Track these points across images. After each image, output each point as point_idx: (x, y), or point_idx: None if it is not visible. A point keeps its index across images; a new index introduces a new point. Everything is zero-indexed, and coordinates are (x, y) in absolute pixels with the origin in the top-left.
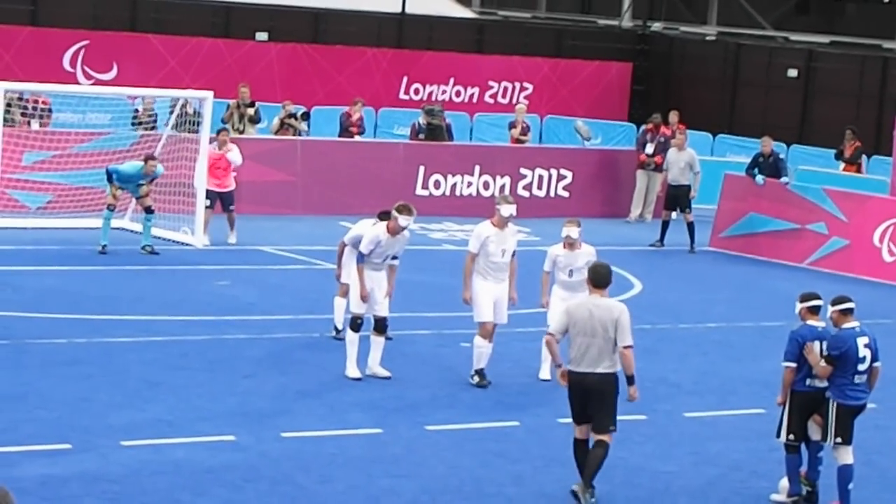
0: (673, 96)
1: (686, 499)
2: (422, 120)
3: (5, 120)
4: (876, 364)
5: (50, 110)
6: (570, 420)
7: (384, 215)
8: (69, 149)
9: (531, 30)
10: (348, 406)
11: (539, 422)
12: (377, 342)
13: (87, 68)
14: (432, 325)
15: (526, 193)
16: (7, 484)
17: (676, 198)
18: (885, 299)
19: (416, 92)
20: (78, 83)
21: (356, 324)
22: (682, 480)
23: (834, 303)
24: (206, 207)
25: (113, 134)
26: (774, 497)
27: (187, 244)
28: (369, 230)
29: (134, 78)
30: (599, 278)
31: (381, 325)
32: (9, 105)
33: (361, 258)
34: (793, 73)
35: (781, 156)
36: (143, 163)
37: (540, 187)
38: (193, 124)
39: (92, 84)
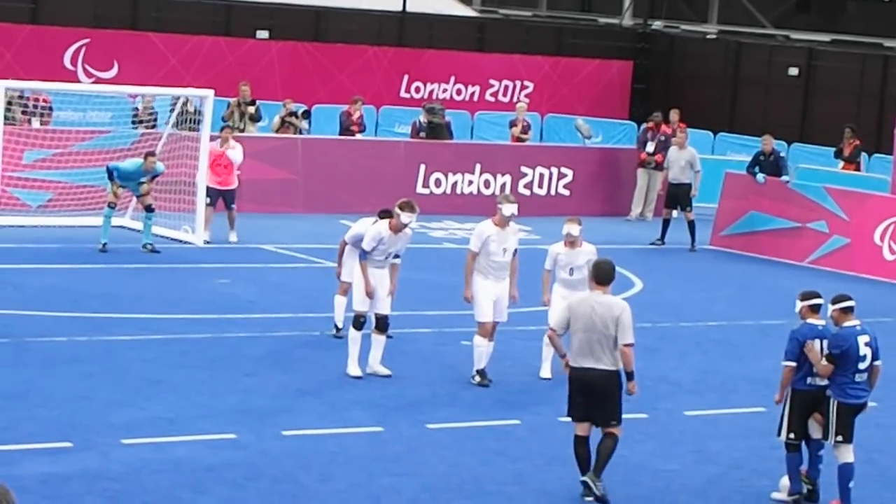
0: (674, 95)
1: (687, 497)
2: (422, 118)
3: (6, 118)
4: (877, 362)
5: (51, 108)
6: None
7: (384, 214)
8: (70, 147)
9: (532, 28)
10: (349, 404)
11: (540, 420)
12: (378, 340)
13: (87, 66)
14: (433, 323)
15: (527, 192)
16: (8, 482)
17: (677, 196)
18: (886, 297)
19: (417, 90)
20: (79, 81)
21: (359, 322)
22: (683, 479)
23: (834, 301)
24: (207, 205)
25: (114, 132)
26: (775, 495)
27: (188, 242)
28: (372, 227)
29: (135, 76)
30: (602, 275)
31: (382, 324)
32: (10, 103)
33: (364, 255)
34: (794, 71)
35: (782, 154)
36: (142, 160)
37: (541, 186)
38: (194, 122)
39: (93, 82)
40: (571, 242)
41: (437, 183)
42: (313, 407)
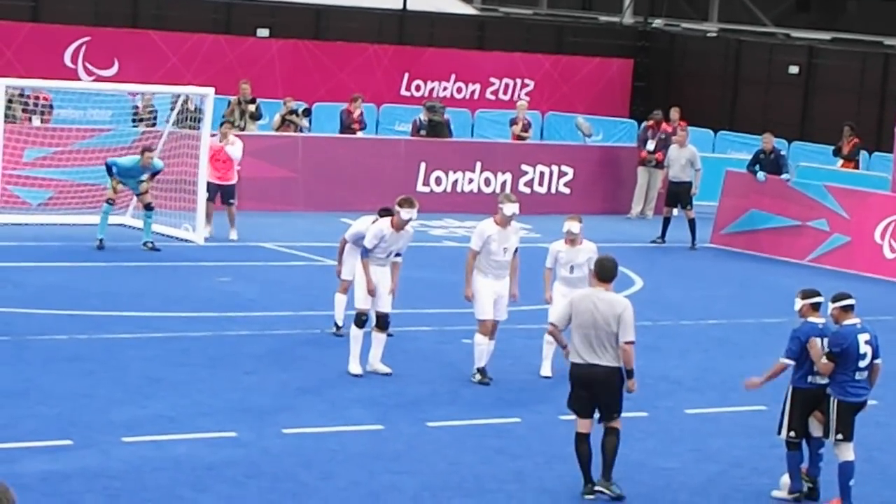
0: (674, 93)
1: (687, 495)
2: (423, 116)
3: (6, 116)
4: (877, 361)
5: (51, 107)
6: (571, 417)
7: (385, 212)
8: (70, 145)
9: (532, 26)
10: (349, 402)
11: (540, 418)
12: (378, 338)
13: (88, 65)
14: (433, 321)
15: (527, 190)
16: (8, 480)
17: (677, 194)
18: (886, 296)
19: (418, 88)
20: (79, 80)
21: (361, 320)
22: (683, 477)
23: (834, 299)
24: (206, 200)
25: (114, 130)
26: (776, 494)
27: (188, 241)
28: (374, 225)
29: (135, 74)
30: (605, 272)
31: (382, 322)
32: (10, 101)
33: (366, 253)
34: (794, 69)
35: (783, 152)
36: (139, 156)
37: (541, 184)
38: (194, 121)
39: (93, 80)
40: (572, 240)
41: (438, 181)
42: (314, 405)
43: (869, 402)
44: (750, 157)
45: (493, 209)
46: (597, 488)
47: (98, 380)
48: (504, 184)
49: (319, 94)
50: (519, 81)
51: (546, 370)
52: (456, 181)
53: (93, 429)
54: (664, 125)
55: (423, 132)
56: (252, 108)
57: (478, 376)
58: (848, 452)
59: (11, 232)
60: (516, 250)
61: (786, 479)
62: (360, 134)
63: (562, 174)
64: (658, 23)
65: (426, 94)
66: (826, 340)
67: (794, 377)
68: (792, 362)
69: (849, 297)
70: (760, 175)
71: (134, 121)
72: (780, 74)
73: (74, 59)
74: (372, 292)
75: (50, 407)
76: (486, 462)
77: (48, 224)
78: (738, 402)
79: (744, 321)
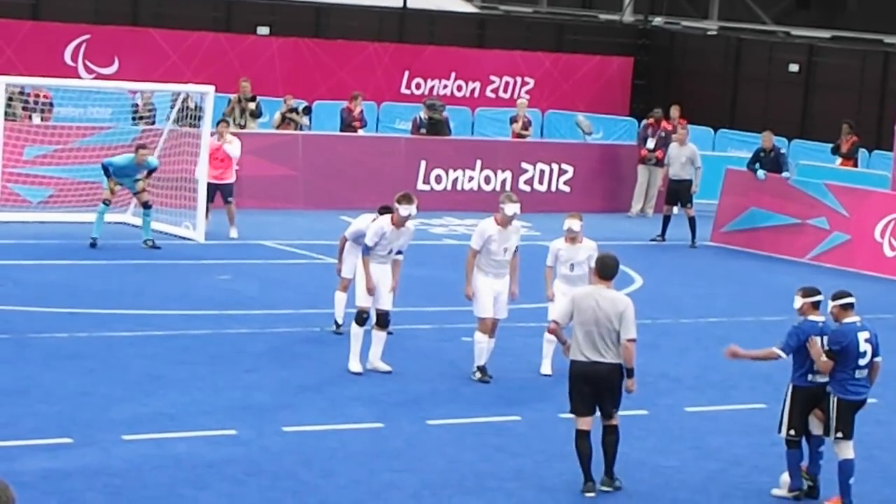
0: (674, 91)
1: (687, 493)
2: (423, 114)
3: (7, 114)
4: (877, 359)
5: (51, 105)
6: (571, 415)
7: (385, 210)
8: (70, 143)
9: (532, 24)
10: (349, 400)
11: (540, 416)
12: (378, 336)
13: (88, 63)
14: (433, 319)
15: (527, 188)
16: (8, 478)
17: (677, 193)
18: (886, 294)
19: (418, 86)
20: (79, 77)
21: (361, 317)
22: (683, 475)
23: (834, 298)
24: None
25: (114, 128)
26: (775, 492)
27: (189, 239)
28: (374, 223)
29: (135, 72)
30: (606, 269)
31: (382, 320)
32: (10, 99)
33: (367, 251)
34: (794, 67)
35: (783, 151)
36: (134, 153)
37: (541, 182)
38: (195, 119)
39: (93, 78)
40: (572, 238)
41: (438, 179)
42: (314, 403)
43: (869, 401)
44: (750, 155)
45: (493, 207)
46: (601, 487)
47: (98, 378)
48: (504, 182)
49: (320, 92)
50: (519, 79)
51: (546, 368)
52: (456, 179)
53: (93, 427)
54: (664, 123)
55: (423, 130)
56: (252, 106)
57: (478, 374)
58: (848, 450)
59: (11, 230)
60: (517, 249)
61: (786, 478)
62: (360, 132)
63: (562, 172)
64: (658, 21)
65: (426, 93)
66: (826, 339)
67: (794, 375)
68: (784, 355)
69: (849, 295)
70: (760, 173)
71: (134, 119)
72: (780, 72)
73: (75, 57)
74: (371, 291)
75: (50, 405)
76: (486, 460)
77: (48, 222)
78: (738, 400)
79: (744, 319)
